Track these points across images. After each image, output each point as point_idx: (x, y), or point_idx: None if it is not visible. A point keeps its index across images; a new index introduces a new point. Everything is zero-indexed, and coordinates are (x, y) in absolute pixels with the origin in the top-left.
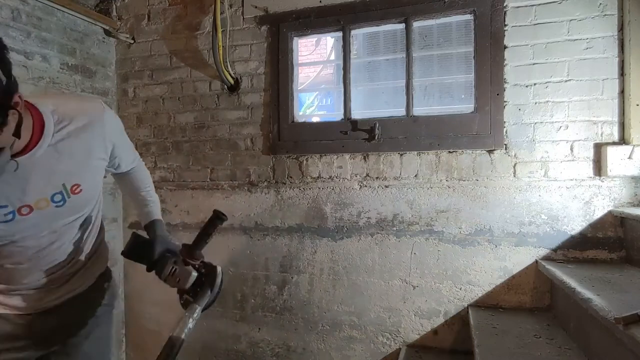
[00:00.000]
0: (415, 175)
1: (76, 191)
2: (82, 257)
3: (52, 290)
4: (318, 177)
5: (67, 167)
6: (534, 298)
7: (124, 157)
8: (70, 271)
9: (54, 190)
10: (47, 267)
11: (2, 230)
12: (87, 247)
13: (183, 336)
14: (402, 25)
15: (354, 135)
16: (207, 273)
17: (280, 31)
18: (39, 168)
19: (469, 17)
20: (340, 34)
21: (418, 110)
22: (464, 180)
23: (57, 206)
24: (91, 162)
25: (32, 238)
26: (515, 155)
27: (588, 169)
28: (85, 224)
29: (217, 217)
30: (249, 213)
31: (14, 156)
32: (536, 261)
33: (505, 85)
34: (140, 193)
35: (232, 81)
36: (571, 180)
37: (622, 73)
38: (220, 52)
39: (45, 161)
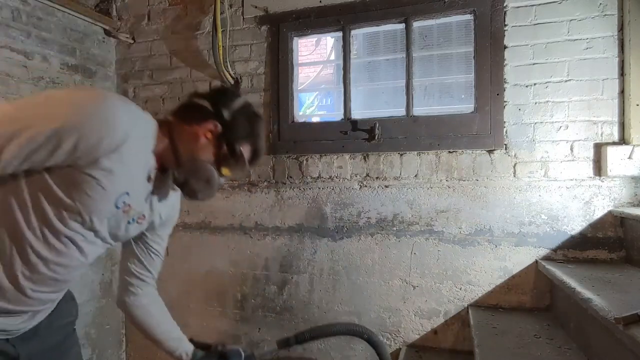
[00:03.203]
0: (415, 175)
1: (140, 221)
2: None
3: (36, 313)
4: (318, 177)
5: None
6: (534, 298)
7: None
8: (59, 296)
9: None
10: (52, 288)
11: (103, 222)
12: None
13: None
14: (402, 25)
15: (354, 135)
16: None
17: (280, 31)
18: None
19: (469, 17)
20: (340, 34)
21: (418, 110)
22: (464, 180)
23: (130, 223)
24: None
25: (87, 247)
26: (515, 155)
27: (588, 169)
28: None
29: None
30: (249, 213)
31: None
32: (536, 261)
33: (505, 85)
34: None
35: (232, 81)
36: (571, 180)
37: (622, 73)
38: (220, 52)
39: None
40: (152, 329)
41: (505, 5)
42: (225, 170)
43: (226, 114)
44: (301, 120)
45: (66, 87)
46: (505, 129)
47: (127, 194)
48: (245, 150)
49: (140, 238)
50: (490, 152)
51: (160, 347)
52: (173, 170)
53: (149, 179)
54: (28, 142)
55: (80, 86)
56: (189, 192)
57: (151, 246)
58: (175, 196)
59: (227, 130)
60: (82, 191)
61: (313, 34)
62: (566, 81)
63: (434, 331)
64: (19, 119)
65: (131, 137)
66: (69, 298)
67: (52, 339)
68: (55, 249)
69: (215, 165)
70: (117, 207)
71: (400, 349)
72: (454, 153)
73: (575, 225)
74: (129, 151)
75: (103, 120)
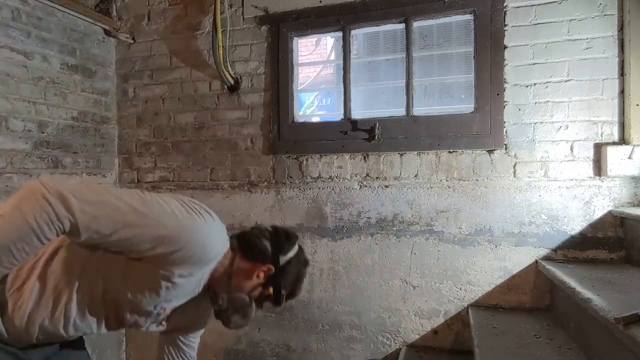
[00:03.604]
0: (415, 175)
1: (164, 323)
2: None
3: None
4: (318, 177)
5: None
6: (534, 298)
7: None
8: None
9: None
10: (53, 341)
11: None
12: None
13: None
14: (402, 25)
15: (354, 135)
16: None
17: (280, 31)
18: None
19: (469, 17)
20: (340, 34)
21: (418, 110)
22: (464, 180)
23: (153, 322)
24: None
25: (103, 327)
26: (515, 155)
27: (588, 169)
28: None
29: None
30: (249, 213)
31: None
32: (536, 261)
33: (505, 85)
34: None
35: (232, 81)
36: (571, 180)
37: (622, 73)
38: (220, 52)
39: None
40: None
41: (505, 5)
42: (260, 306)
43: (282, 260)
44: (301, 120)
45: (187, 201)
46: (505, 129)
47: (170, 300)
48: (285, 292)
49: (176, 343)
50: (490, 152)
51: None
52: (218, 295)
53: (194, 292)
54: (137, 235)
55: (197, 205)
56: (223, 319)
57: (185, 352)
58: (206, 303)
59: (278, 275)
60: (142, 291)
61: (313, 34)
62: (566, 81)
63: (434, 331)
64: (141, 214)
65: (208, 266)
66: None
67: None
68: (84, 315)
69: (255, 301)
70: (154, 308)
71: (400, 349)
72: (454, 153)
73: (575, 225)
74: (199, 272)
75: (201, 246)
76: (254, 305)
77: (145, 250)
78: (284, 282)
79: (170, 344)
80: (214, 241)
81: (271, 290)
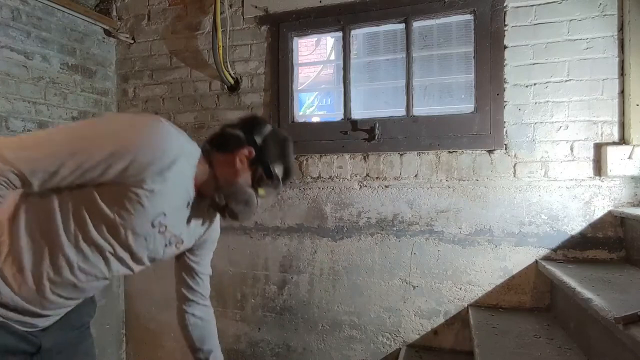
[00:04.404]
0: (415, 175)
1: (179, 246)
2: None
3: (48, 317)
4: (318, 177)
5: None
6: (534, 298)
7: None
8: (73, 304)
9: (185, 239)
10: (69, 295)
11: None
12: None
13: None
14: (402, 25)
15: (354, 135)
16: None
17: (280, 31)
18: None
19: (469, 17)
20: (340, 34)
21: (418, 110)
22: (464, 180)
23: (167, 246)
24: None
25: (114, 262)
26: (515, 155)
27: (588, 169)
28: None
29: None
30: None
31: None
32: (536, 261)
33: (505, 85)
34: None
35: (232, 81)
36: (571, 180)
37: (622, 73)
38: (220, 52)
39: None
40: (195, 344)
41: (505, 5)
42: (261, 191)
43: (258, 139)
44: (301, 120)
45: (125, 113)
46: (505, 129)
47: (164, 214)
48: (278, 170)
49: (185, 263)
50: (490, 152)
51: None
52: (213, 195)
53: (187, 204)
54: (87, 160)
55: (139, 113)
56: (230, 214)
57: (194, 269)
58: (209, 217)
59: (261, 153)
60: (124, 206)
61: (313, 34)
62: (566, 81)
63: (434, 331)
64: (81, 138)
65: (176, 164)
66: (88, 300)
67: (70, 334)
68: (83, 254)
69: (252, 188)
70: (153, 225)
71: (400, 349)
72: (454, 153)
73: (575, 225)
74: (173, 176)
75: (154, 147)
76: (251, 191)
77: (103, 173)
78: (269, 157)
79: (183, 269)
80: (166, 141)
81: (261, 169)
